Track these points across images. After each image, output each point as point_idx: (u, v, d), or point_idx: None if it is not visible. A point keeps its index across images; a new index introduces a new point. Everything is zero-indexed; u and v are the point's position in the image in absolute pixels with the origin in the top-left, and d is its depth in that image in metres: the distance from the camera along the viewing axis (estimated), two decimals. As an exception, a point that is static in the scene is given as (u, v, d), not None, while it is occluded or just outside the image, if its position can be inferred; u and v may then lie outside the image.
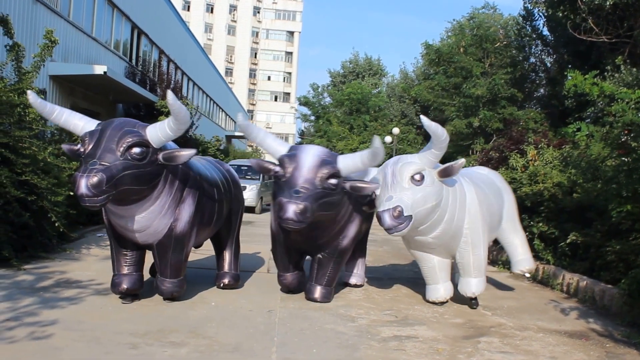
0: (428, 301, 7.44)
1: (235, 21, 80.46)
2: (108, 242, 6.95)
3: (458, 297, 7.49)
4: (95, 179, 5.25)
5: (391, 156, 8.59)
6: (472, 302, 7.30)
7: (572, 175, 9.94)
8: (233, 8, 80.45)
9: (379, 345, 5.54)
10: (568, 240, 9.00)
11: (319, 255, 7.15)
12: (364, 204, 7.29)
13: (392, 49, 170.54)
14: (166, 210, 6.11)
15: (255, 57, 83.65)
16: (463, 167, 6.83)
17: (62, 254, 9.16)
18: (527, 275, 8.31)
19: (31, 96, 6.02)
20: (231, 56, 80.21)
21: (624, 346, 6.01)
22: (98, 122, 5.97)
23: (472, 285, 7.09)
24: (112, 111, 20.73)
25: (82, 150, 5.65)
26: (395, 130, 32.10)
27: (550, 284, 8.98)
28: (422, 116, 6.62)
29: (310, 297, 7.14)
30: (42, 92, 11.61)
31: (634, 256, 7.13)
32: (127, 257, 6.47)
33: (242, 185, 21.31)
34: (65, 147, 6.03)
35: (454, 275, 7.81)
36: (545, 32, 22.06)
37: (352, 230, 7.16)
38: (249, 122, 6.79)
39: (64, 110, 6.09)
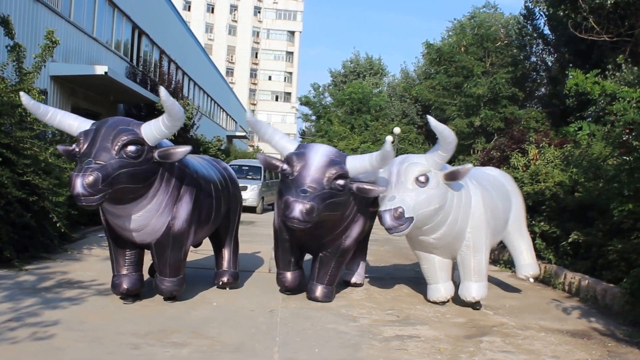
0: (429, 301, 7.44)
1: (235, 21, 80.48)
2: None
3: (460, 297, 7.48)
4: (91, 178, 5.23)
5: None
6: (474, 304, 7.27)
7: (574, 175, 9.94)
8: (234, 8, 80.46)
9: (380, 345, 5.54)
10: (570, 240, 8.99)
11: (321, 254, 7.14)
12: (369, 204, 7.28)
13: (393, 49, 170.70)
14: (163, 208, 6.08)
15: (256, 57, 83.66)
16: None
17: (63, 255, 9.17)
18: (531, 280, 8.27)
19: (24, 98, 5.98)
20: (232, 56, 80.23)
21: (626, 345, 6.00)
22: (93, 121, 5.94)
23: (473, 290, 7.04)
24: (113, 111, 20.73)
25: (77, 150, 5.62)
26: (397, 130, 32.08)
27: (552, 283, 8.97)
28: (429, 117, 6.53)
29: (311, 297, 7.14)
30: (43, 93, 11.60)
31: (635, 255, 7.13)
32: (126, 257, 6.45)
33: (243, 185, 21.38)
34: (60, 147, 6.01)
35: (455, 273, 7.78)
36: (546, 31, 22.07)
37: (355, 230, 7.15)
38: (257, 118, 6.76)
39: (58, 110, 6.07)
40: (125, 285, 6.35)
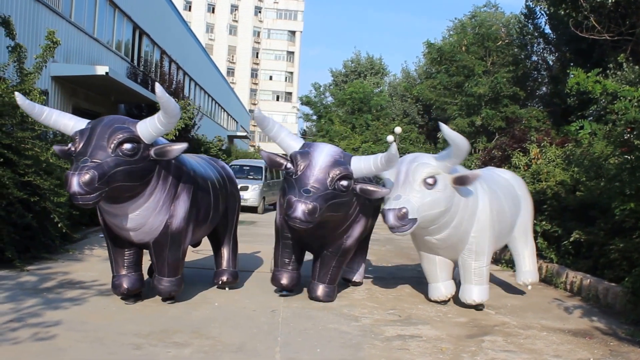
0: (430, 300, 7.43)
1: (236, 21, 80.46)
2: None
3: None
4: (87, 177, 5.22)
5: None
6: (476, 305, 7.24)
7: (575, 174, 9.93)
8: (234, 8, 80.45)
9: (382, 344, 5.54)
10: (571, 239, 8.98)
11: (322, 253, 7.13)
12: (372, 203, 7.27)
13: (394, 48, 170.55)
14: (161, 207, 6.06)
15: (257, 56, 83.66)
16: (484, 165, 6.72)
17: (65, 255, 9.17)
18: (529, 287, 8.21)
19: (19, 98, 5.96)
20: (233, 56, 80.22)
21: (628, 344, 6.00)
22: (88, 120, 5.93)
23: (474, 293, 7.00)
24: (114, 112, 20.72)
25: (73, 149, 5.61)
26: (398, 130, 32.04)
27: (554, 283, 8.97)
28: (442, 125, 6.44)
29: (313, 296, 7.13)
30: (44, 93, 11.61)
31: (637, 254, 7.12)
32: (125, 257, 6.44)
33: (244, 185, 21.36)
34: (56, 147, 6.01)
35: (455, 271, 7.73)
36: (547, 30, 22.02)
37: (357, 229, 7.14)
38: (264, 114, 6.74)
39: (53, 110, 6.05)
40: (125, 285, 6.35)
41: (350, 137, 36.88)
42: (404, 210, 6.10)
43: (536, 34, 22.80)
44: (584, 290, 8.17)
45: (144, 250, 6.60)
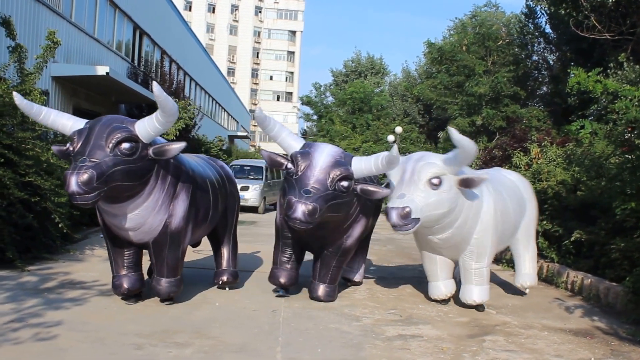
0: (430, 299, 7.42)
1: (237, 21, 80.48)
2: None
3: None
4: (85, 176, 5.22)
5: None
6: (477, 305, 7.22)
7: (576, 173, 9.93)
8: (235, 8, 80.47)
9: (383, 344, 5.54)
10: (572, 238, 8.97)
11: (322, 253, 7.13)
12: (373, 203, 7.26)
13: (394, 48, 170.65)
14: (160, 206, 6.05)
15: (258, 56, 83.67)
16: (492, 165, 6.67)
17: (65, 255, 9.17)
18: (527, 291, 8.18)
19: (17, 98, 5.95)
20: (233, 56, 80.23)
21: (629, 344, 5.99)
22: (86, 120, 5.92)
23: (474, 293, 6.98)
24: (115, 112, 20.70)
25: (71, 149, 5.61)
26: (398, 129, 32.00)
27: (555, 282, 8.96)
28: (450, 129, 6.40)
29: (313, 296, 7.13)
30: (44, 94, 11.61)
31: (638, 254, 7.11)
32: (125, 258, 6.43)
33: (245, 185, 21.35)
34: (54, 148, 6.01)
35: (456, 269, 7.69)
36: (548, 29, 22.00)
37: (357, 230, 7.14)
38: (265, 114, 6.73)
39: (51, 110, 6.05)
40: (126, 285, 6.35)
41: (350, 137, 36.82)
42: (407, 209, 6.07)
43: (537, 34, 22.78)
44: (585, 289, 8.16)
45: (144, 250, 6.60)
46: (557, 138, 13.60)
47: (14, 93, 6.04)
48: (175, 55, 28.15)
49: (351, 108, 40.56)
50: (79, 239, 10.45)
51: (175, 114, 5.83)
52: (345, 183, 6.37)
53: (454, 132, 6.20)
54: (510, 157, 13.39)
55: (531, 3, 21.51)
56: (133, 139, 5.66)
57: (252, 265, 9.27)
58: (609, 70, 14.88)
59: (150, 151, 5.78)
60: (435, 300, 7.38)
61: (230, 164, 23.91)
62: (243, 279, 8.10)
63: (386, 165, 6.45)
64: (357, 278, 8.21)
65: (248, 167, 22.82)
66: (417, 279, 8.84)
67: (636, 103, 6.79)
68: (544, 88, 25.05)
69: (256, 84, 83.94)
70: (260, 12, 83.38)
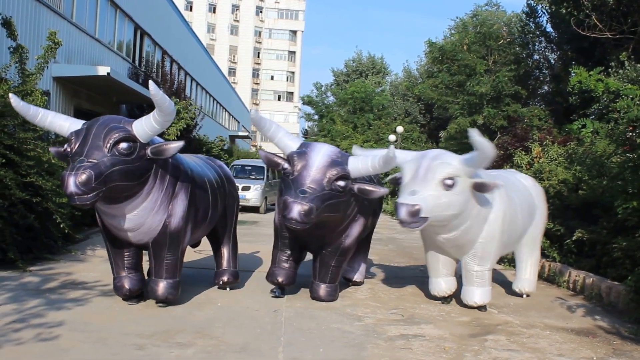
0: (430, 294, 7.39)
1: (237, 21, 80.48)
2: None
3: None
4: (83, 176, 5.20)
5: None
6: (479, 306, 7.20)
7: (578, 172, 9.93)
8: (235, 8, 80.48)
9: (385, 344, 5.53)
10: (574, 238, 8.97)
11: (321, 253, 7.12)
12: (371, 202, 7.24)
13: (395, 48, 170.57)
14: (159, 206, 6.03)
15: (258, 56, 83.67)
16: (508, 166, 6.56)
17: (67, 256, 9.18)
18: (524, 296, 8.14)
19: (13, 99, 5.91)
20: (234, 56, 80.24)
21: (631, 343, 5.99)
22: (84, 121, 5.91)
23: (476, 295, 6.95)
24: (116, 112, 20.74)
25: (68, 149, 5.60)
26: (399, 129, 32.03)
27: (557, 282, 8.96)
28: (471, 130, 6.25)
29: (314, 296, 7.13)
30: (45, 94, 11.62)
31: (640, 253, 7.11)
32: (125, 259, 6.41)
33: (246, 185, 21.32)
34: (52, 150, 6.00)
35: (458, 265, 7.65)
36: (549, 28, 22.02)
37: (356, 229, 7.12)
38: (261, 114, 6.71)
39: (49, 112, 6.03)
40: (127, 286, 6.34)
41: (352, 137, 36.84)
42: (417, 207, 5.97)
43: (538, 33, 22.80)
44: (586, 289, 8.16)
45: (144, 251, 6.59)
46: (559, 137, 13.61)
47: (11, 95, 5.99)
48: (176, 55, 28.15)
49: (352, 108, 40.59)
50: (81, 240, 10.45)
51: (173, 113, 5.81)
52: (341, 183, 6.35)
53: (474, 134, 6.10)
54: (511, 157, 13.39)
55: (532, 2, 21.53)
56: (131, 138, 5.64)
57: (254, 265, 9.27)
58: (610, 69, 14.88)
59: (148, 151, 5.76)
60: (435, 297, 7.36)
61: (232, 164, 23.92)
62: (244, 278, 8.10)
63: (383, 165, 6.44)
64: (358, 278, 8.19)
65: (249, 167, 22.83)
66: (419, 278, 8.83)
67: (637, 102, 6.80)
68: (545, 87, 25.06)
69: (257, 83, 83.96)
70: (261, 12, 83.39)
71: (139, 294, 6.51)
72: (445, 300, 7.40)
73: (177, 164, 6.27)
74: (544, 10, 21.28)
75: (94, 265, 8.65)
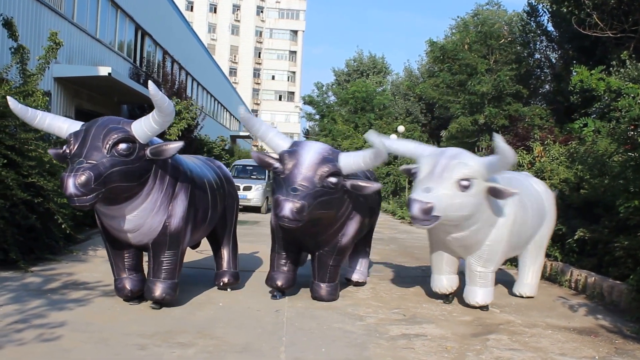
0: (432, 291, 7.37)
1: (238, 21, 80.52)
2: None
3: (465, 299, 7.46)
4: (83, 178, 5.18)
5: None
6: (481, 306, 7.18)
7: (579, 171, 9.92)
8: (236, 8, 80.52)
9: (387, 343, 5.53)
10: (576, 237, 8.97)
11: (318, 253, 7.10)
12: (366, 201, 7.23)
13: (396, 47, 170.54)
14: (158, 207, 6.02)
15: (259, 56, 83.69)
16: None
17: (69, 256, 9.18)
18: (524, 296, 8.10)
19: (11, 102, 5.87)
20: (235, 56, 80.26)
21: (634, 342, 5.98)
22: (82, 122, 5.89)
23: (478, 295, 6.93)
24: (117, 112, 20.74)
25: (67, 151, 5.58)
26: (401, 129, 32.02)
27: (559, 281, 8.95)
28: (496, 136, 6.20)
29: (315, 296, 7.12)
30: (47, 95, 11.62)
31: (642, 252, 7.10)
32: (125, 260, 6.40)
33: (247, 185, 21.28)
34: (51, 151, 5.97)
35: (461, 261, 7.61)
36: (550, 27, 21.99)
37: (352, 227, 7.08)
38: (250, 114, 6.69)
39: (47, 114, 6.01)
40: (128, 287, 6.34)
41: (353, 137, 36.86)
42: (430, 205, 5.91)
43: (539, 32, 22.78)
44: (588, 288, 8.15)
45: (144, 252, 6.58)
46: (560, 136, 13.61)
47: (8, 97, 5.95)
48: (177, 55, 28.16)
49: (353, 107, 40.59)
50: (82, 240, 10.45)
51: (172, 113, 5.80)
52: (333, 179, 6.33)
53: (499, 139, 6.05)
54: (513, 156, 13.36)
55: (533, 1, 21.52)
56: (130, 139, 5.62)
57: (254, 265, 9.26)
58: (611, 68, 14.86)
59: (147, 151, 5.75)
60: (437, 294, 7.34)
61: (233, 164, 23.92)
62: (245, 279, 8.10)
63: (374, 159, 6.42)
64: (359, 278, 8.18)
65: (250, 167, 22.81)
66: (421, 278, 8.83)
67: (639, 101, 6.78)
68: (547, 86, 25.04)
69: (258, 83, 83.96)
70: (261, 11, 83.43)
71: (141, 294, 6.50)
72: (447, 299, 7.39)
73: (176, 165, 6.26)
74: (545, 9, 21.27)
75: (95, 265, 8.65)
